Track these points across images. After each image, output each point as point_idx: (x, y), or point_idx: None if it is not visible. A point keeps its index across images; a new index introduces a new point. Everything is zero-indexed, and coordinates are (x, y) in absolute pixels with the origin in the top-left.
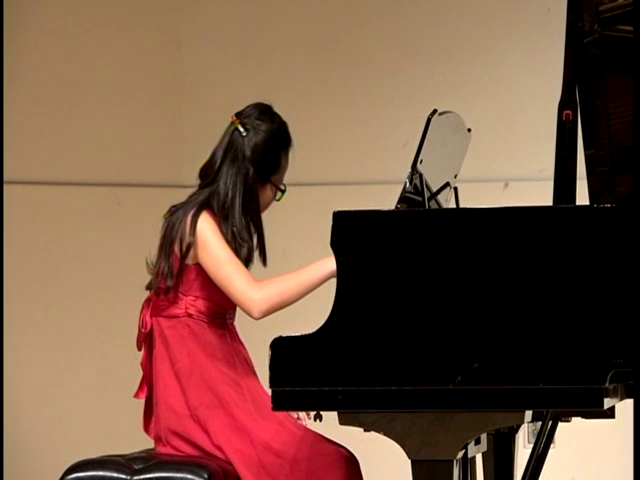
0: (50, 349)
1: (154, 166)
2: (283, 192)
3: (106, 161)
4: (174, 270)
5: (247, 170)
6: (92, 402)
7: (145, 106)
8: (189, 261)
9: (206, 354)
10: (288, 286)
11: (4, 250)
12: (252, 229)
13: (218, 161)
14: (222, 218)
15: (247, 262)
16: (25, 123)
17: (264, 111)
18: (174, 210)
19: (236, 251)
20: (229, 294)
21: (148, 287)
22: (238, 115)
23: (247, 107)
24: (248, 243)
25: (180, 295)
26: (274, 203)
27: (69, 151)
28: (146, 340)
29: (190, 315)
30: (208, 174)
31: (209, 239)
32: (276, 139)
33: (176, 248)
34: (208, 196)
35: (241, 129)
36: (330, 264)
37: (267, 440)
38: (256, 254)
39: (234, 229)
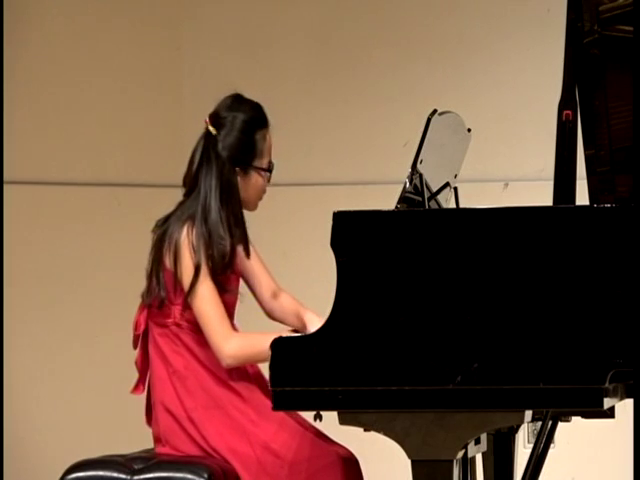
0: (50, 349)
1: (154, 166)
2: (270, 171)
3: (106, 161)
4: (166, 283)
5: (222, 166)
6: (92, 402)
7: (145, 106)
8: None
9: (199, 360)
10: (259, 349)
11: (4, 250)
12: (232, 223)
13: (194, 167)
14: (203, 223)
15: (222, 263)
16: (25, 123)
17: (233, 102)
18: (160, 224)
19: (212, 253)
20: (205, 333)
21: (143, 297)
22: (210, 116)
23: (217, 105)
24: (223, 240)
25: (168, 304)
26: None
27: (69, 151)
28: (141, 340)
29: (179, 325)
30: (187, 183)
31: (194, 276)
32: (248, 126)
33: (167, 261)
34: (192, 209)
35: (211, 129)
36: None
37: (266, 441)
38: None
39: (210, 228)
